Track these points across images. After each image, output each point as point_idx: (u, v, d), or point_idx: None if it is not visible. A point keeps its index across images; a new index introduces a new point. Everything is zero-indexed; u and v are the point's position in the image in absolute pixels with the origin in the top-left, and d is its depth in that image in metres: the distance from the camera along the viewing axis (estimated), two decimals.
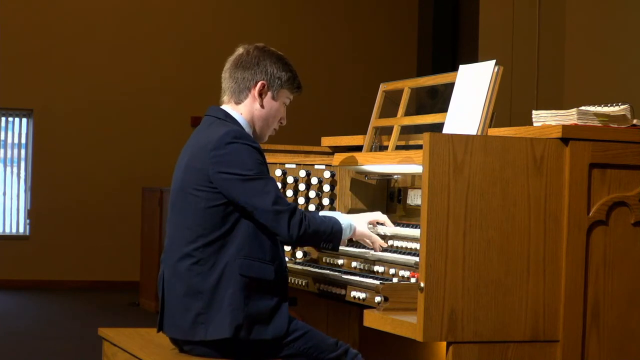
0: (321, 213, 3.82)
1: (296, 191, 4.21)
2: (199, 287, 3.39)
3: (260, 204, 3.35)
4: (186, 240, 3.42)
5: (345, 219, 3.62)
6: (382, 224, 3.78)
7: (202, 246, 3.39)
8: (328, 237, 3.52)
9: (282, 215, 3.36)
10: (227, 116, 3.53)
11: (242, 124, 3.53)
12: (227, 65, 3.60)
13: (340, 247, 3.85)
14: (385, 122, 4.00)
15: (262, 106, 3.56)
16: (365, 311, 3.12)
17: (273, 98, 3.57)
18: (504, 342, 2.95)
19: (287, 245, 3.66)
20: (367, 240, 3.70)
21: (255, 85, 3.54)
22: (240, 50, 3.61)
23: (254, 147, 3.40)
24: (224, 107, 3.58)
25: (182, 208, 3.46)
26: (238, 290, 3.36)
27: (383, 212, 3.85)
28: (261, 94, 3.55)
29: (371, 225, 3.76)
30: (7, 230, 12.31)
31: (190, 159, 3.46)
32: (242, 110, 3.56)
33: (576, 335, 3.02)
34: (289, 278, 3.98)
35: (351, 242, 4.00)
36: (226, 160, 3.36)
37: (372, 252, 3.70)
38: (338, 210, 4.16)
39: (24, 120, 12.33)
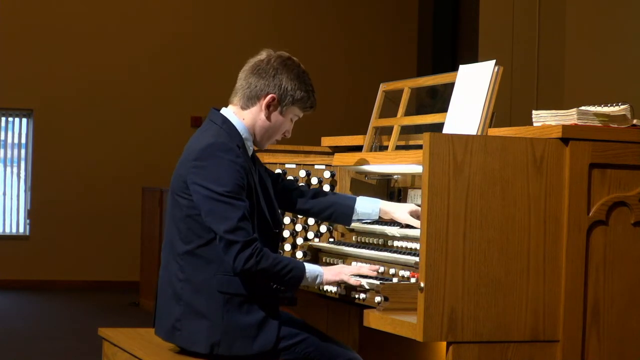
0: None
1: None
2: (180, 293, 3.36)
3: (217, 228, 3.25)
4: (173, 242, 3.40)
5: (315, 269, 3.38)
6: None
7: (183, 253, 3.36)
8: (280, 280, 3.32)
9: (234, 245, 3.23)
10: (225, 122, 3.43)
11: (240, 129, 3.43)
12: (246, 66, 3.48)
13: (341, 247, 3.85)
14: (385, 122, 4.00)
15: (267, 118, 3.45)
16: (365, 311, 3.11)
17: (281, 113, 3.46)
18: (504, 342, 2.95)
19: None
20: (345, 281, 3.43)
21: (266, 96, 3.44)
22: (263, 55, 3.48)
23: (236, 162, 3.29)
24: (228, 109, 3.48)
25: (172, 211, 3.43)
26: (218, 306, 3.30)
27: None
28: (269, 107, 3.44)
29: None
30: (7, 230, 12.30)
31: (179, 164, 3.41)
32: (245, 116, 3.46)
33: (576, 335, 3.01)
34: None
35: (351, 242, 3.99)
36: (203, 173, 3.28)
37: (370, 251, 3.69)
38: None
39: (24, 120, 12.33)
